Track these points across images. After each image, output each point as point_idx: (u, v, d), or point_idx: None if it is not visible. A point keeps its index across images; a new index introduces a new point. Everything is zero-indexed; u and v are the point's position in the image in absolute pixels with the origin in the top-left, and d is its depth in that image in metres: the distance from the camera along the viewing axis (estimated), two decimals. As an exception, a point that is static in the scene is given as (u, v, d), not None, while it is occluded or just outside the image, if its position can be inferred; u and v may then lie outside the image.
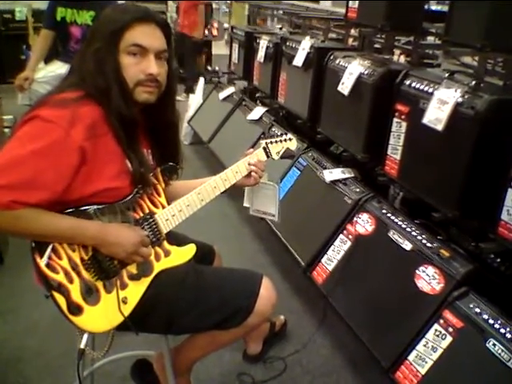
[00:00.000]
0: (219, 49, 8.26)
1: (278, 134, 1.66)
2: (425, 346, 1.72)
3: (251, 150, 1.59)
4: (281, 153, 1.63)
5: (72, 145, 1.19)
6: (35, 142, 1.17)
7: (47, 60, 3.38)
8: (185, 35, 6.62)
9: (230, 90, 4.31)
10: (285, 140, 1.63)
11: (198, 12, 6.66)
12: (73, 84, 1.30)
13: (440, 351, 1.67)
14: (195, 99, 4.85)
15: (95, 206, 1.28)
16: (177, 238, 1.49)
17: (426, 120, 1.91)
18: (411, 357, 1.75)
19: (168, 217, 1.42)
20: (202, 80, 5.05)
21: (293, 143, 1.65)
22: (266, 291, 1.52)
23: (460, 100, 1.80)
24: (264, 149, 1.60)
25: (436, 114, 1.86)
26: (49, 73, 3.25)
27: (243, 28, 4.43)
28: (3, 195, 1.13)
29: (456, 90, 1.82)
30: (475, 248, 1.90)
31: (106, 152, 1.27)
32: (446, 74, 2.00)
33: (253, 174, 1.56)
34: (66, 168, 1.20)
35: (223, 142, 3.96)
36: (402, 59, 3.04)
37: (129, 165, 1.33)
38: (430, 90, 1.94)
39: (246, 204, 1.72)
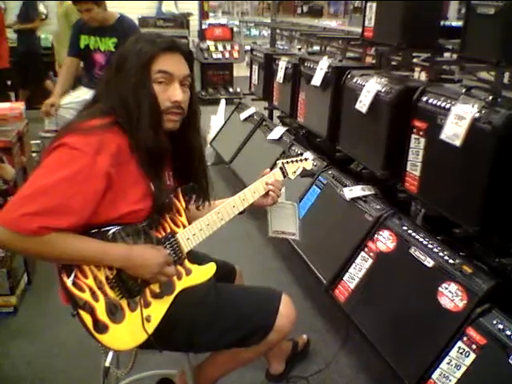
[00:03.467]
0: (240, 70, 8.37)
1: (295, 154, 1.69)
2: (448, 363, 1.69)
3: (268, 169, 1.63)
4: (297, 172, 1.67)
5: (99, 171, 1.23)
6: (63, 169, 1.21)
7: (73, 86, 3.50)
8: None
9: (251, 110, 4.37)
10: (301, 160, 1.67)
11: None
12: (101, 111, 1.32)
13: (463, 368, 1.64)
14: (217, 120, 4.92)
15: (119, 227, 1.32)
16: (197, 257, 1.52)
17: (443, 136, 1.91)
18: (435, 375, 1.73)
19: (189, 236, 1.45)
20: (223, 101, 5.14)
21: (308, 163, 1.69)
22: (286, 308, 1.54)
23: (477, 115, 1.80)
24: (281, 168, 1.63)
25: (454, 130, 1.86)
26: (74, 99, 3.36)
27: (263, 50, 4.51)
28: (32, 221, 1.17)
29: (473, 106, 1.82)
30: (498, 264, 1.88)
31: (130, 177, 1.31)
32: (463, 90, 2.00)
33: (270, 193, 1.59)
34: (93, 194, 1.24)
35: (244, 161, 4.01)
36: (423, 76, 3.05)
37: (153, 187, 1.36)
38: (447, 106, 1.95)
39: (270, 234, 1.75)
